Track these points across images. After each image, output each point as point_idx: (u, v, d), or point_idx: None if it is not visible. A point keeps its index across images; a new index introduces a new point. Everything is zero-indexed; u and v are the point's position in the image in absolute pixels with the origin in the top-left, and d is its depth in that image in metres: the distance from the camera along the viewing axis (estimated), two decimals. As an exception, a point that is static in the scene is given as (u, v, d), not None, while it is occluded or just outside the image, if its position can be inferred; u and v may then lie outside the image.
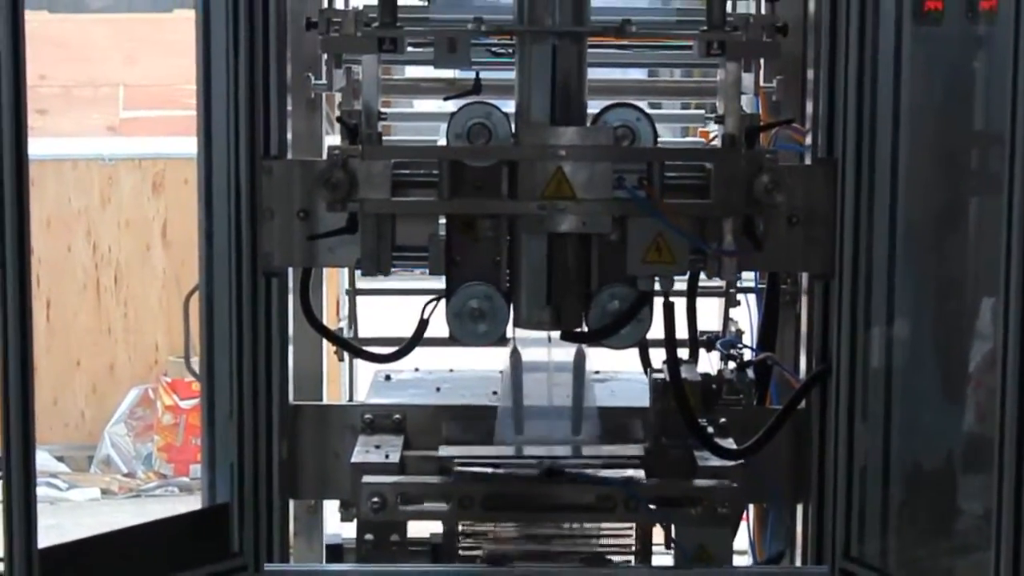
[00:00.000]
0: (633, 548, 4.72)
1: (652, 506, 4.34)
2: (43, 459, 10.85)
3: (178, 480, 11.29)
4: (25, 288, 3.85)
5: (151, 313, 11.46)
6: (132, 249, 11.49)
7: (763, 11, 4.40)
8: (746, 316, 5.28)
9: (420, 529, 4.70)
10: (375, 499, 4.29)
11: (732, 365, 4.93)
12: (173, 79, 15.45)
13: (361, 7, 4.61)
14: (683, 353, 4.53)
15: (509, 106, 4.39)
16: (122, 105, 16.55)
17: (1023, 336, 3.72)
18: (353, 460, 4.47)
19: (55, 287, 11.26)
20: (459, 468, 4.37)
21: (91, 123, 16.07)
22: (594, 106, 4.43)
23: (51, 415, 11.16)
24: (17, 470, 3.88)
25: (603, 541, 4.78)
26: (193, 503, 4.83)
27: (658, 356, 4.51)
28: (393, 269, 4.42)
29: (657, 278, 4.29)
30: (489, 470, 4.35)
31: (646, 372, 4.66)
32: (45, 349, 11.09)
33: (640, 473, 4.36)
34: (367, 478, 4.35)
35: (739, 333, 5.25)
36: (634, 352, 4.65)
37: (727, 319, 5.34)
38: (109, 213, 11.47)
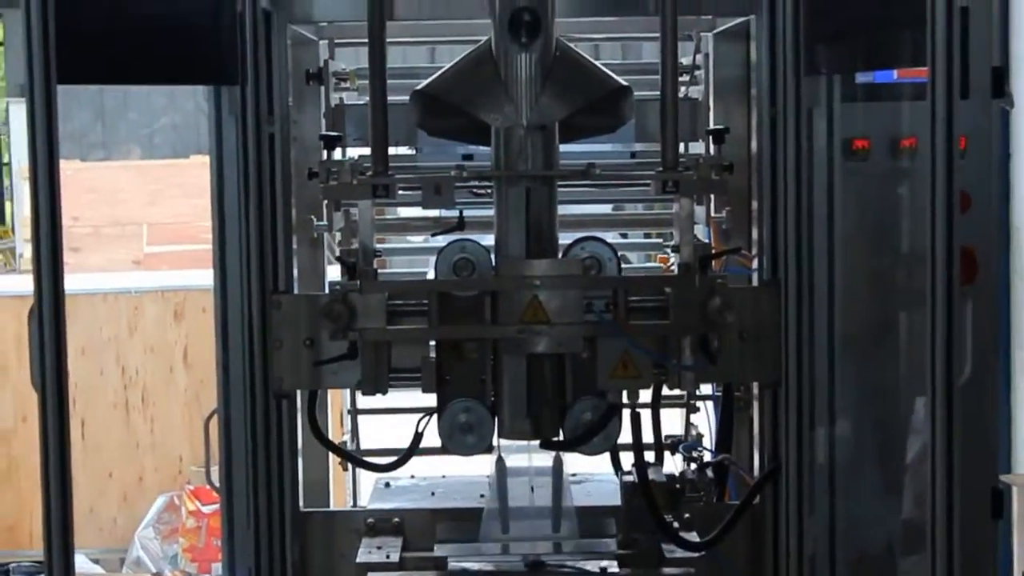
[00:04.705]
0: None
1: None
2: (80, 562, 10.69)
3: (201, 578, 11.22)
4: (65, 411, 3.86)
5: (175, 428, 11.42)
6: (157, 371, 11.47)
7: (711, 152, 4.43)
8: (705, 421, 5.30)
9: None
10: None
11: (694, 466, 4.95)
12: (191, 217, 15.54)
13: (356, 157, 4.66)
14: (650, 456, 4.56)
15: (489, 239, 4.43)
16: (146, 241, 16.61)
17: (949, 434, 3.75)
18: (358, 560, 4.47)
19: (89, 407, 11.23)
20: (452, 564, 4.38)
21: (118, 258, 16.12)
22: (567, 238, 4.47)
23: (87, 522, 11.08)
24: (58, 573, 3.89)
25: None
26: (215, 599, 4.82)
27: (628, 459, 4.51)
28: (390, 388, 4.46)
29: (624, 391, 4.32)
30: (478, 566, 4.36)
31: (617, 474, 4.67)
32: (81, 463, 11.03)
33: (614, 564, 4.37)
34: (372, 574, 4.36)
35: (699, 437, 5.26)
36: (606, 457, 4.66)
37: (688, 425, 5.36)
38: (136, 340, 11.47)
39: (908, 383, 4.46)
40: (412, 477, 5.11)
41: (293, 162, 4.57)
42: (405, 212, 5.68)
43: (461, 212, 4.58)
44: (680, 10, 4.35)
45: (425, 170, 4.98)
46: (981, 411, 3.86)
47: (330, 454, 5.09)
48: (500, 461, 4.45)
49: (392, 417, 5.39)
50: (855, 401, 4.53)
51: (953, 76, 3.64)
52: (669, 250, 5.11)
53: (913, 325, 4.31)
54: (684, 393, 5.07)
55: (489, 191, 4.53)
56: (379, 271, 4.43)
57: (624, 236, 6.48)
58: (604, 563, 4.36)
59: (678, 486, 4.58)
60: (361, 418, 5.53)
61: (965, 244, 3.72)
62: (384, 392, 4.41)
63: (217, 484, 4.60)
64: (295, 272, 4.60)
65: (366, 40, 4.32)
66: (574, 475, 4.90)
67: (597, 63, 4.54)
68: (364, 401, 5.30)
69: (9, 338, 11.10)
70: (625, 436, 4.38)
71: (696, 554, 4.41)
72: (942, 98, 3.64)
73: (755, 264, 4.62)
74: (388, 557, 4.48)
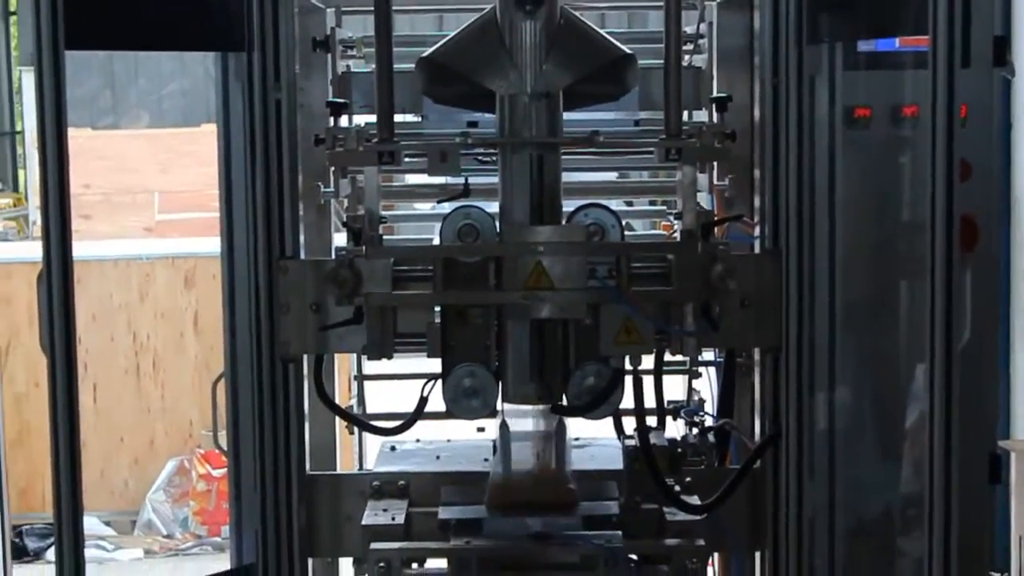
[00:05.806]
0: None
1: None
2: (92, 524, 10.83)
3: (211, 540, 11.25)
4: (73, 375, 3.90)
5: (185, 393, 11.46)
6: (167, 337, 11.51)
7: (714, 120, 4.41)
8: (707, 387, 5.30)
9: None
10: (381, 564, 4.29)
11: (695, 431, 4.95)
12: (202, 185, 15.54)
13: (363, 124, 4.65)
14: (652, 421, 4.56)
15: (494, 206, 4.43)
16: (157, 209, 16.62)
17: (948, 401, 3.76)
18: (364, 522, 4.48)
19: (101, 373, 11.27)
20: (456, 537, 4.36)
21: (130, 225, 16.14)
22: (571, 205, 4.46)
23: (99, 486, 11.14)
24: (68, 534, 3.92)
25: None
26: (224, 561, 4.83)
27: (630, 424, 4.52)
28: (395, 353, 4.46)
29: (627, 356, 4.32)
30: (482, 542, 4.34)
31: (620, 438, 4.67)
32: (93, 427, 11.09)
33: (618, 534, 4.37)
34: (374, 545, 4.33)
35: (701, 402, 5.26)
36: (609, 421, 4.67)
37: (690, 390, 5.36)
38: (147, 306, 11.50)
39: (908, 350, 4.46)
40: (417, 441, 5.11)
41: (300, 129, 4.56)
42: (411, 179, 5.66)
43: (466, 179, 4.58)
44: (684, -21, 4.34)
45: (431, 137, 4.97)
46: (980, 378, 3.86)
47: (336, 418, 5.10)
48: (504, 425, 4.44)
49: (398, 382, 5.40)
50: (855, 367, 4.53)
51: (955, 45, 3.64)
52: (672, 217, 5.10)
53: (913, 293, 4.31)
54: (686, 359, 5.08)
55: (494, 158, 4.51)
56: (385, 237, 4.43)
57: (629, 204, 6.48)
58: (608, 533, 4.34)
59: (680, 450, 4.57)
60: (367, 383, 5.53)
61: (965, 212, 3.71)
62: (389, 357, 4.41)
63: (225, 448, 4.61)
64: (301, 238, 4.58)
65: (372, 8, 4.31)
66: (577, 439, 4.90)
67: (602, 31, 4.53)
68: (370, 367, 5.30)
69: (22, 304, 11.13)
70: (627, 401, 4.38)
71: (697, 517, 4.41)
72: (943, 67, 3.64)
73: (757, 231, 4.61)
74: (393, 519, 4.48)
